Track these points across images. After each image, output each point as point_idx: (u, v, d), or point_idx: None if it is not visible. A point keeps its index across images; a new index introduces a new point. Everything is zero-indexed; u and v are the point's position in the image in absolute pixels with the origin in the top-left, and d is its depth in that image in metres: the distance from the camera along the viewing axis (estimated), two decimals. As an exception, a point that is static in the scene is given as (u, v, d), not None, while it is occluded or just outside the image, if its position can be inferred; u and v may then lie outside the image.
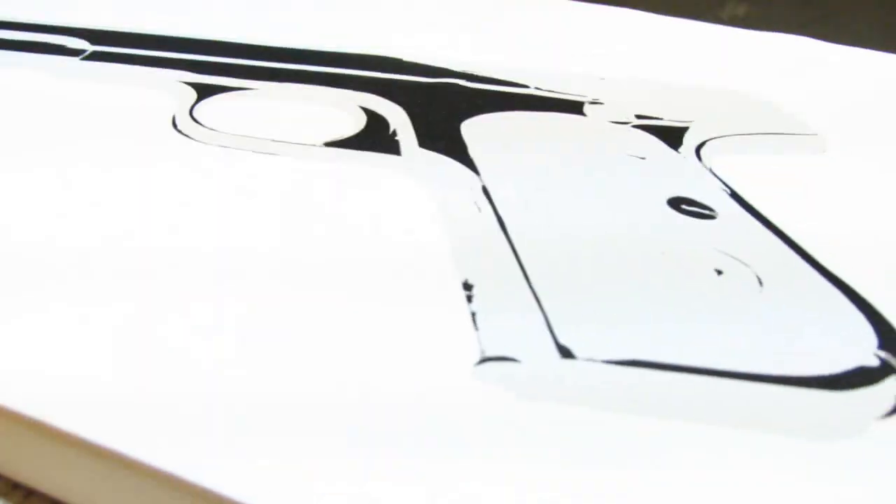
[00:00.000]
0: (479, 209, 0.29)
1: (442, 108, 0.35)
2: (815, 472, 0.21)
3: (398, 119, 0.34)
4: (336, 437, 0.22)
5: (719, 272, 0.26)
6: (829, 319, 0.25)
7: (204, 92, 0.36)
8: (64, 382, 0.23)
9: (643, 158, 0.32)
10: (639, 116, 0.34)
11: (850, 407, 0.22)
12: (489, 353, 0.24)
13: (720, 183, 0.30)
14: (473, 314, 0.25)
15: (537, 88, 0.36)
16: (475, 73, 0.37)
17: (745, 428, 0.22)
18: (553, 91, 0.35)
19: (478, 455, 0.21)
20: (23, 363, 0.24)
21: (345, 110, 0.34)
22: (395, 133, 0.33)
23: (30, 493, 0.23)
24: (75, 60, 0.38)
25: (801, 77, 0.37)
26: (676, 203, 0.29)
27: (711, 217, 0.29)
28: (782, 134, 0.33)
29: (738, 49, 0.39)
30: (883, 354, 0.24)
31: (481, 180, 0.30)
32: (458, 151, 0.32)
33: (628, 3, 0.42)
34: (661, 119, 0.34)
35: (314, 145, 0.32)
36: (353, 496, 0.20)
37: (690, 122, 0.34)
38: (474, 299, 0.25)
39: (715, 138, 0.33)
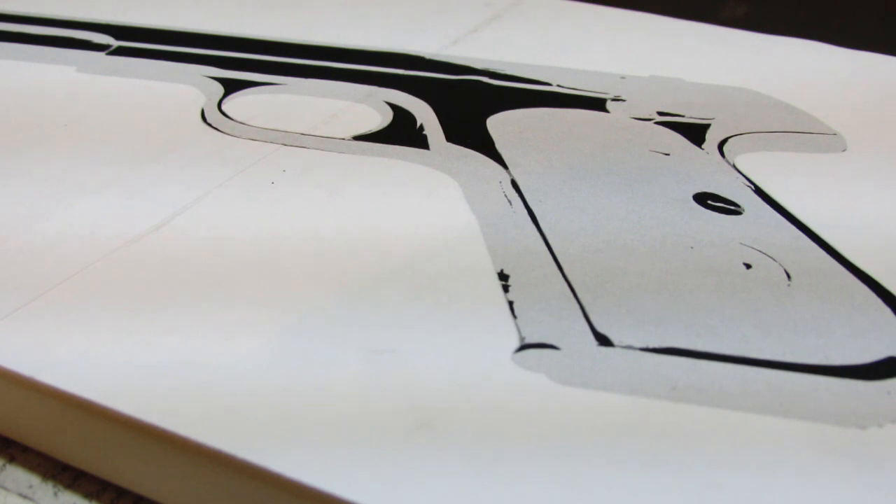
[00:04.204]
0: (510, 202, 0.29)
1: (466, 105, 0.35)
2: (845, 459, 0.21)
3: (424, 114, 0.34)
4: (378, 423, 0.22)
5: (748, 266, 0.27)
6: (857, 312, 0.25)
7: (231, 87, 0.36)
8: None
9: (667, 154, 0.32)
10: (661, 113, 0.34)
11: (880, 395, 0.23)
12: (529, 340, 0.24)
13: (744, 179, 0.31)
14: (511, 303, 0.25)
15: (559, 86, 0.36)
16: (497, 71, 0.37)
17: (777, 415, 0.22)
18: (575, 88, 0.36)
19: (516, 439, 0.22)
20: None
21: (371, 106, 0.35)
22: (422, 128, 0.33)
23: (120, 493, 0.24)
24: (101, 55, 0.39)
25: (802, 78, 0.37)
26: (703, 198, 0.30)
27: (738, 212, 0.29)
28: (803, 132, 0.34)
29: (738, 49, 0.39)
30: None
31: (510, 174, 0.30)
32: (485, 146, 0.32)
33: (629, 4, 0.43)
34: (682, 116, 0.34)
35: (343, 139, 0.33)
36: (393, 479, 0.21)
37: (712, 119, 0.34)
38: (511, 289, 0.26)
39: (737, 135, 0.33)
